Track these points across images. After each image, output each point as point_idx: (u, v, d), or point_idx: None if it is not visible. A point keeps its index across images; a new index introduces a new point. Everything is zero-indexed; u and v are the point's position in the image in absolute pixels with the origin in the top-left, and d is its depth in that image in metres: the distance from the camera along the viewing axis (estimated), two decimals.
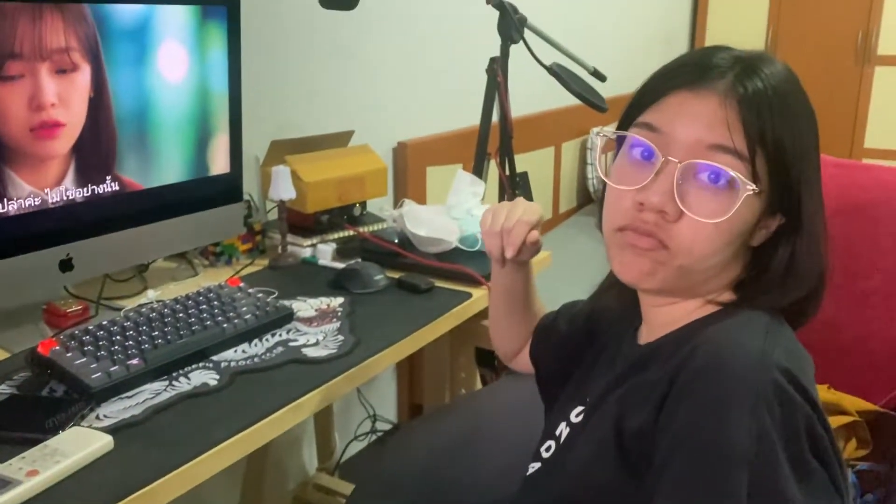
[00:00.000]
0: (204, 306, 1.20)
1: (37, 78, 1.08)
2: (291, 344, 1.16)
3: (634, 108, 0.77)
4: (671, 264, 0.73)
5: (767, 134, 0.70)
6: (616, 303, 0.90)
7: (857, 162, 1.40)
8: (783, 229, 0.75)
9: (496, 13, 1.65)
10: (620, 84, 3.17)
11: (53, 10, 1.08)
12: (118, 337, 1.09)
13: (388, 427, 2.08)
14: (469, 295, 1.35)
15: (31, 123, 1.09)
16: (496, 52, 1.69)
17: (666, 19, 3.70)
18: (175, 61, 1.26)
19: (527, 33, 1.69)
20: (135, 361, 1.04)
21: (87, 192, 1.19)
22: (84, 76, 1.14)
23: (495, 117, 1.74)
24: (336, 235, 1.58)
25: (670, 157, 0.71)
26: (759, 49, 0.76)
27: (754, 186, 0.70)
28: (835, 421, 1.11)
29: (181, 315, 1.16)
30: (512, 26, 1.65)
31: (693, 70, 0.73)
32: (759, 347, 0.69)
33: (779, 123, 0.70)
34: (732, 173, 0.69)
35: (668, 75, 0.74)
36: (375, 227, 1.62)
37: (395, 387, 2.16)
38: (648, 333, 0.83)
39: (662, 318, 0.81)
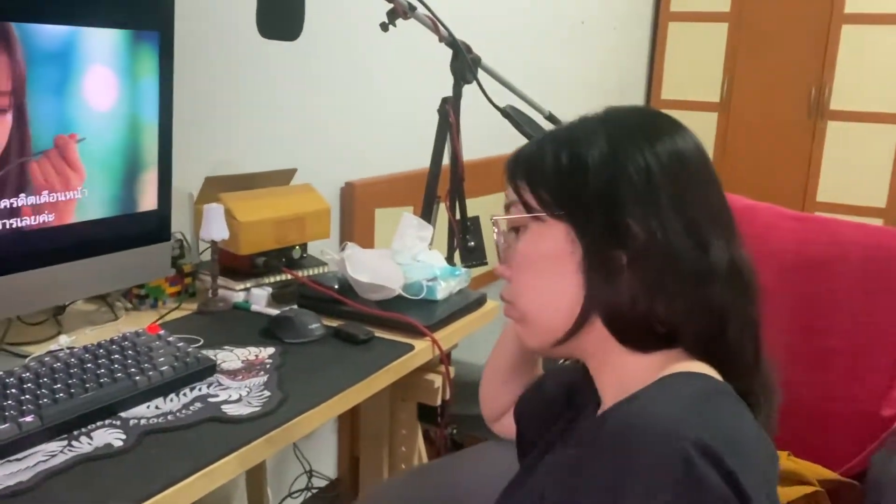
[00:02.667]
0: (117, 356, 1.09)
1: None
2: (211, 400, 1.05)
3: None
4: (520, 318, 0.78)
5: (523, 171, 0.75)
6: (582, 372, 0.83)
7: (815, 215, 1.36)
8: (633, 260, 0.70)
9: (449, 52, 1.60)
10: None
11: None
12: (14, 390, 0.97)
13: (324, 483, 1.96)
14: (411, 347, 1.26)
15: None
16: (449, 92, 1.63)
17: (623, 68, 3.72)
18: (103, 88, 1.17)
19: (481, 74, 1.64)
20: (29, 419, 0.92)
21: None
22: (10, 115, 1.05)
23: (446, 159, 1.67)
24: (272, 279, 1.48)
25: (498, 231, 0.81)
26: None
27: (525, 214, 0.74)
28: (795, 491, 1.04)
29: (89, 366, 1.05)
30: (465, 66, 1.59)
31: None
32: (672, 417, 0.60)
33: (536, 157, 0.75)
34: (504, 218, 0.77)
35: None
36: (316, 271, 1.53)
37: (336, 439, 2.04)
38: (603, 404, 0.77)
39: (606, 386, 0.76)
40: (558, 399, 0.91)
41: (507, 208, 0.78)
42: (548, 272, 0.74)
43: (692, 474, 0.56)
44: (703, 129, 3.77)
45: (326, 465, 2.04)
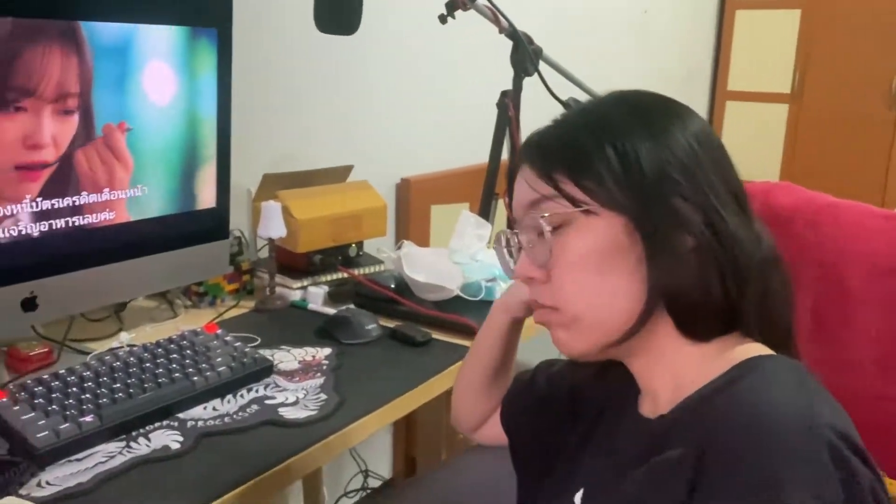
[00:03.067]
0: (175, 355, 1.09)
1: (39, 116, 1.01)
2: (268, 402, 1.04)
3: None
4: (570, 322, 0.70)
5: (557, 158, 0.69)
6: (603, 371, 0.80)
7: None
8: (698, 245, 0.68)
9: (509, 44, 1.55)
10: None
11: (63, 46, 1.02)
12: (75, 389, 0.98)
13: (379, 483, 1.95)
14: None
15: (19, 161, 1.01)
16: (508, 85, 1.59)
17: (687, 56, 3.60)
18: (162, 83, 1.16)
19: (542, 66, 1.59)
20: (88, 419, 0.93)
21: (59, 224, 1.08)
22: (77, 116, 1.06)
23: (505, 154, 1.63)
24: (328, 278, 1.47)
25: (515, 232, 0.74)
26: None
27: (571, 208, 0.68)
28: None
29: (148, 365, 1.05)
30: (526, 58, 1.55)
31: (516, 159, 0.77)
32: (798, 403, 0.59)
33: (571, 145, 0.69)
34: (539, 215, 0.69)
35: (511, 172, 0.81)
36: (372, 270, 1.51)
37: (391, 439, 2.02)
38: (653, 404, 0.73)
39: (659, 383, 0.72)
40: (558, 399, 0.88)
41: (536, 204, 0.70)
42: (606, 268, 0.68)
43: (842, 460, 0.55)
44: (773, 121, 3.62)
45: (382, 465, 2.03)
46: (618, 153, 0.68)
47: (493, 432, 0.97)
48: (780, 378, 0.63)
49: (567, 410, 0.86)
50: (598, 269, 0.68)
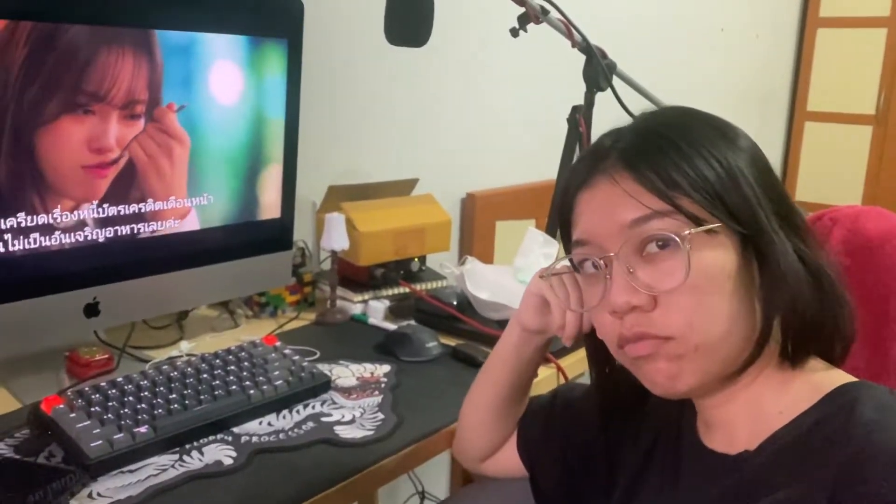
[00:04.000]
0: (233, 367, 1.07)
1: (107, 122, 1.02)
2: (324, 419, 1.01)
3: (564, 230, 0.73)
4: (689, 351, 0.63)
5: (668, 170, 0.63)
6: (641, 398, 0.74)
7: None
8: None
9: (581, 58, 1.51)
10: None
11: (134, 51, 1.02)
12: (131, 398, 0.97)
13: None
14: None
15: (85, 162, 1.01)
16: (579, 99, 1.54)
17: (765, 75, 3.48)
18: (230, 87, 1.15)
19: (615, 81, 1.54)
20: (143, 430, 0.91)
21: (124, 230, 1.08)
22: (143, 121, 1.06)
23: None
24: (390, 292, 1.44)
25: (608, 255, 0.65)
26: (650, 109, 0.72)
27: (692, 227, 0.62)
28: None
29: (205, 376, 1.04)
30: (600, 72, 1.49)
31: (583, 168, 0.70)
32: None
33: (677, 157, 0.64)
34: (659, 233, 0.63)
35: (569, 185, 0.71)
36: (434, 285, 1.47)
37: (449, 460, 1.98)
38: (728, 437, 0.68)
39: (728, 417, 0.67)
40: (580, 429, 0.82)
41: (641, 221, 0.63)
42: (729, 289, 0.63)
43: None
44: (856, 142, 3.46)
45: (439, 486, 1.99)
46: (724, 168, 0.63)
47: (505, 463, 0.91)
48: (893, 406, 0.59)
49: (600, 440, 0.81)
50: (723, 291, 0.62)
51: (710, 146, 0.64)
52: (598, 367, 0.78)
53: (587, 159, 0.69)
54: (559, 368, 1.20)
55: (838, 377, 0.65)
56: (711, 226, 0.62)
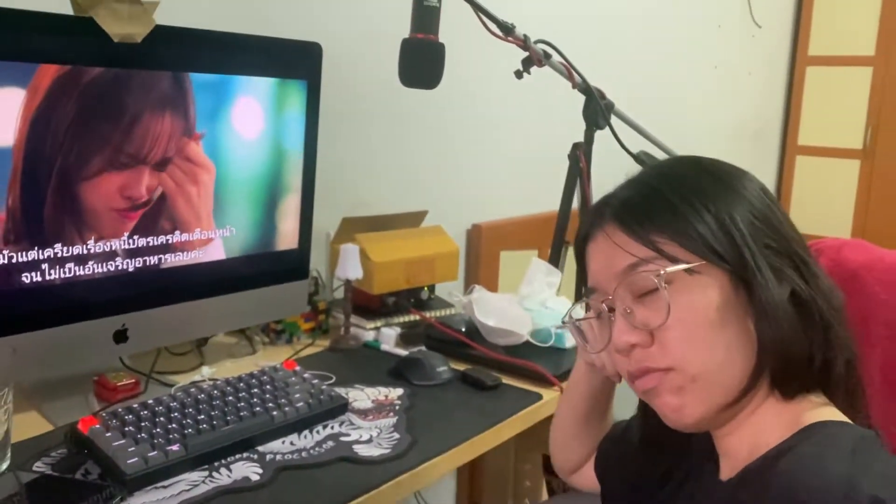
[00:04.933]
0: (256, 390, 1.13)
1: (140, 175, 1.10)
2: (343, 439, 1.07)
3: (582, 278, 0.80)
4: (687, 382, 0.69)
5: (652, 220, 0.70)
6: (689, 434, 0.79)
7: None
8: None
9: (581, 97, 1.59)
10: None
11: (173, 107, 1.11)
12: (162, 418, 1.02)
13: None
14: (539, 396, 1.24)
15: (117, 206, 1.09)
16: (579, 137, 1.62)
17: (758, 111, 3.58)
18: (252, 133, 1.23)
19: (613, 119, 1.62)
20: (175, 448, 0.97)
21: (152, 261, 1.15)
22: (175, 171, 1.14)
23: (576, 204, 1.66)
24: (401, 319, 1.50)
25: (609, 299, 0.73)
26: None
27: (674, 267, 0.68)
28: None
29: (230, 398, 1.10)
30: (598, 112, 1.58)
31: (586, 224, 0.78)
32: (843, 475, 0.58)
33: (662, 206, 0.71)
34: (641, 276, 0.69)
35: (577, 238, 0.79)
36: (443, 313, 1.54)
37: (455, 484, 2.02)
38: (728, 467, 0.73)
39: (733, 446, 0.72)
40: (649, 455, 0.86)
41: (633, 268, 0.70)
42: (718, 322, 0.68)
43: None
44: (844, 177, 3.56)
45: None
46: (709, 210, 0.70)
47: (589, 478, 0.98)
48: (833, 445, 0.63)
49: (656, 467, 0.85)
50: (711, 323, 0.68)
51: (701, 193, 0.71)
52: (640, 403, 0.85)
53: (590, 216, 0.78)
54: (562, 391, 1.26)
55: (826, 414, 0.68)
56: (689, 265, 0.68)
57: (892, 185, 3.47)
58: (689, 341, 0.68)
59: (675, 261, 0.69)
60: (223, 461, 1.00)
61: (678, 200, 0.70)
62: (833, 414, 0.68)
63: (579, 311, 0.80)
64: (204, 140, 1.16)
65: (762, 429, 0.69)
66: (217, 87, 1.16)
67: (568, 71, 1.53)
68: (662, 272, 0.68)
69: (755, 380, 0.69)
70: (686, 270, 0.68)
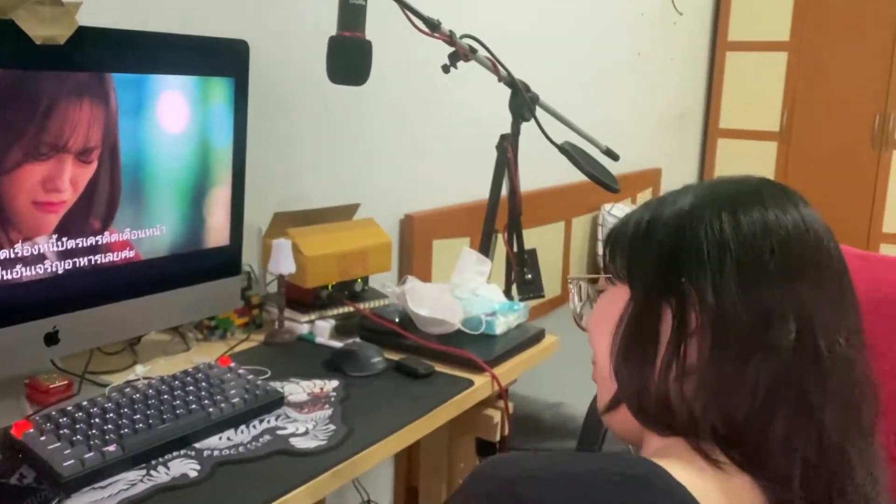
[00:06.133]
0: (191, 387, 1.14)
1: (61, 165, 1.08)
2: (279, 432, 1.10)
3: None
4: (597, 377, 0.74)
5: (611, 242, 0.73)
6: None
7: (883, 255, 1.33)
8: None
9: (508, 90, 1.63)
10: (634, 161, 3.18)
11: (92, 99, 1.09)
12: (97, 420, 1.03)
13: None
14: (471, 382, 1.29)
15: (37, 198, 1.07)
16: (506, 128, 1.67)
17: (681, 96, 3.71)
18: (178, 131, 1.23)
19: (539, 111, 1.67)
20: (111, 448, 0.98)
21: (82, 262, 1.14)
22: (97, 163, 1.13)
23: (504, 192, 1.71)
24: (335, 312, 1.53)
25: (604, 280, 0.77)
26: None
27: (599, 275, 0.74)
28: None
29: (166, 397, 1.11)
30: (524, 104, 1.63)
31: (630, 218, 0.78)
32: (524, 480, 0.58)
33: (623, 228, 0.72)
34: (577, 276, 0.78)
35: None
36: (377, 304, 1.57)
37: (392, 470, 2.07)
38: None
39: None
40: None
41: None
42: (607, 334, 0.70)
43: None
44: (763, 159, 3.72)
45: (383, 495, 2.07)
46: (646, 226, 0.69)
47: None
48: (599, 480, 0.58)
49: None
50: (605, 333, 0.70)
51: (661, 208, 0.69)
52: None
53: (634, 216, 0.75)
54: (493, 377, 1.31)
55: (664, 455, 0.63)
56: (607, 276, 0.73)
57: (807, 166, 3.65)
58: (594, 342, 0.74)
59: (606, 271, 0.73)
60: (161, 459, 1.01)
61: (636, 219, 0.71)
62: (669, 459, 0.61)
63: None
64: (128, 137, 1.16)
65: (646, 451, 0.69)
66: (140, 85, 1.16)
67: (493, 65, 1.58)
68: (577, 279, 0.76)
69: (611, 407, 0.71)
70: (608, 280, 0.72)
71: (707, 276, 0.62)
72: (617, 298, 0.70)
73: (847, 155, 3.56)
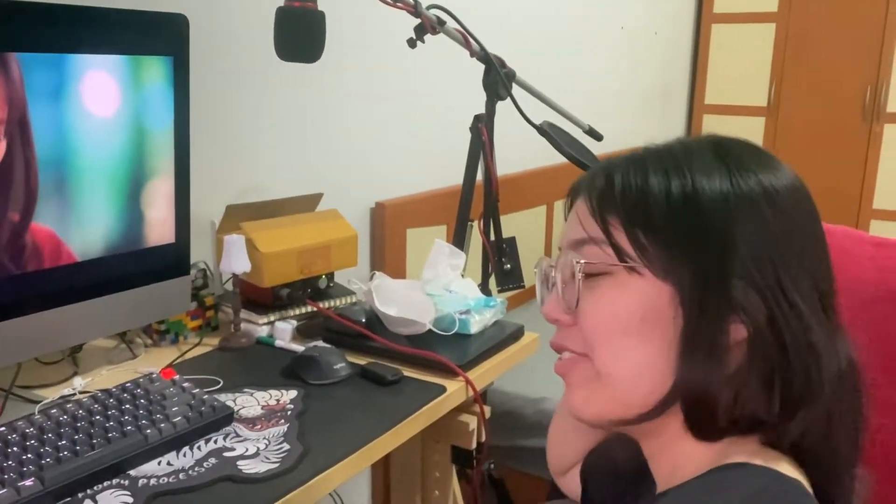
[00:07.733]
0: (128, 405, 1.02)
1: None
2: (227, 454, 0.98)
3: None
4: (595, 376, 0.63)
5: (618, 205, 0.61)
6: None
7: None
8: (757, 338, 0.58)
9: (482, 67, 1.51)
10: (617, 140, 3.06)
11: None
12: (15, 448, 0.91)
13: None
14: (443, 389, 1.17)
15: None
16: (480, 108, 1.54)
17: (665, 70, 3.58)
18: (111, 120, 1.10)
19: (516, 89, 1.55)
20: (28, 483, 0.86)
21: (2, 260, 1.02)
22: (6, 143, 0.99)
23: (480, 178, 1.59)
24: (297, 312, 1.40)
25: (552, 267, 0.67)
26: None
27: (614, 261, 0.61)
28: None
29: (98, 418, 0.99)
30: (499, 81, 1.50)
31: (580, 182, 0.68)
32: None
33: (637, 190, 0.61)
34: (576, 260, 0.63)
35: (570, 191, 0.70)
36: (344, 301, 1.45)
37: (369, 475, 1.96)
38: (657, 488, 0.67)
39: (656, 472, 0.66)
40: (627, 471, 0.79)
41: (580, 244, 0.63)
42: (637, 332, 0.60)
43: None
44: (750, 134, 3.58)
45: (360, 502, 1.97)
46: (686, 209, 0.59)
47: (574, 486, 0.88)
48: (726, 489, 0.56)
49: (632, 484, 0.78)
50: (627, 330, 0.60)
51: (686, 181, 0.60)
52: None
53: (587, 175, 0.68)
54: (467, 381, 1.20)
55: (746, 456, 0.59)
56: (630, 265, 0.60)
57: (795, 140, 3.54)
58: (601, 338, 0.62)
59: (618, 252, 0.61)
60: (88, 492, 0.89)
61: (653, 185, 0.61)
62: (763, 458, 0.59)
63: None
64: (42, 118, 1.02)
65: (682, 461, 0.62)
66: (57, 65, 1.02)
67: (464, 38, 1.45)
68: (582, 262, 0.62)
69: (657, 413, 0.61)
70: (627, 268, 0.60)
71: (774, 278, 0.57)
72: (648, 293, 0.60)
73: (837, 129, 3.45)
